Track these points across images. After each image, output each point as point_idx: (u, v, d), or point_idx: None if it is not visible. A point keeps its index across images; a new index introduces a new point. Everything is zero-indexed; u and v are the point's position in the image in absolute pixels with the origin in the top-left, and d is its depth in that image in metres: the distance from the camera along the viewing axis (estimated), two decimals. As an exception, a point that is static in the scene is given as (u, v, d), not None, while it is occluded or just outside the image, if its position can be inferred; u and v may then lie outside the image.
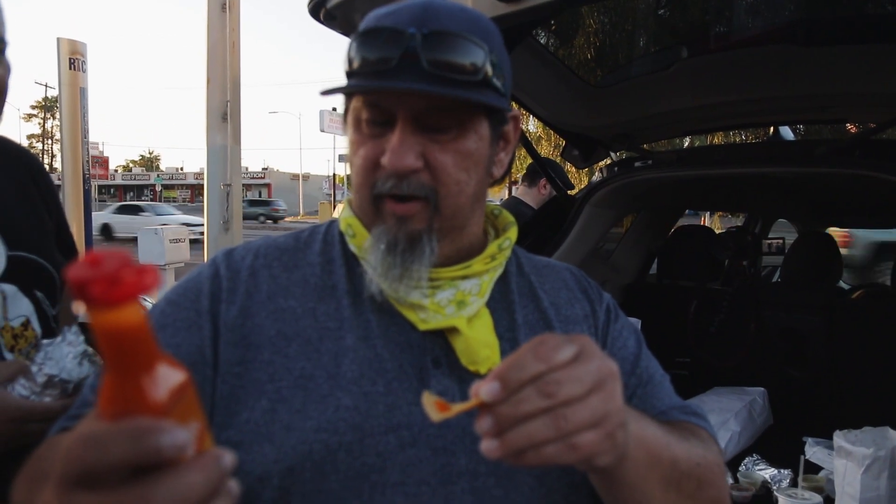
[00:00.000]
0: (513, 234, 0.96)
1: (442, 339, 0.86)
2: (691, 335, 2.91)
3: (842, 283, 3.64)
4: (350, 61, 0.84)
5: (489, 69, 0.82)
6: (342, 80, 0.86)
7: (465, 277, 0.88)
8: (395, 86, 0.79)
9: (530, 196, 4.02)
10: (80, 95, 7.58)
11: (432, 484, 0.79)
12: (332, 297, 0.88)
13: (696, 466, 0.81)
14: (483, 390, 0.59)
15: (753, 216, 4.31)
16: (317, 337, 0.85)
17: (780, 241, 3.43)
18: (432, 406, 0.62)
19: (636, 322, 2.67)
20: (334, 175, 48.29)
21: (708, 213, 13.85)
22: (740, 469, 2.22)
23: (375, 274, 0.85)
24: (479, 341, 0.85)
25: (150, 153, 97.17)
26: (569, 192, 3.24)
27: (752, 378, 2.72)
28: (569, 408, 0.59)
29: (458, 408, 0.60)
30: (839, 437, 2.00)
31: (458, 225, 0.89)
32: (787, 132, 2.72)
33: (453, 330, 0.85)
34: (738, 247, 2.86)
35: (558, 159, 3.91)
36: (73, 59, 7.46)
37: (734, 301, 2.89)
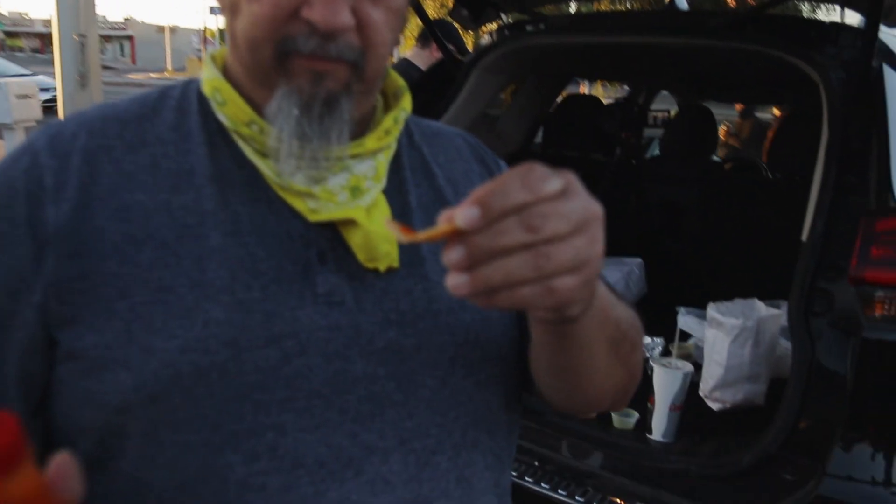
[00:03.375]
0: (407, 103, 0.82)
1: (328, 230, 0.74)
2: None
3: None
4: None
5: None
6: None
7: (356, 157, 0.75)
8: None
9: (422, 59, 3.81)
10: None
11: (325, 395, 0.70)
12: (190, 184, 0.72)
13: (631, 328, 0.78)
14: (460, 216, 0.50)
15: (638, 87, 4.31)
16: (174, 237, 0.70)
17: (667, 113, 3.45)
18: (396, 229, 0.55)
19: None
20: (205, 29, 45.06)
21: (587, 82, 13.94)
22: (616, 338, 2.30)
23: (285, 152, 0.70)
24: (379, 235, 0.74)
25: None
26: (461, 56, 3.09)
27: (631, 249, 2.78)
28: (552, 246, 0.51)
29: (426, 234, 0.53)
30: (712, 309, 2.08)
31: (372, 89, 0.76)
32: (682, 2, 2.66)
33: (348, 222, 0.73)
34: (625, 118, 2.84)
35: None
36: None
37: (617, 173, 2.91)
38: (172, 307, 0.68)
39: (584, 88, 15.60)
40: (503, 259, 0.51)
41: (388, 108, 0.83)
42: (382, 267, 0.74)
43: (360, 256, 0.74)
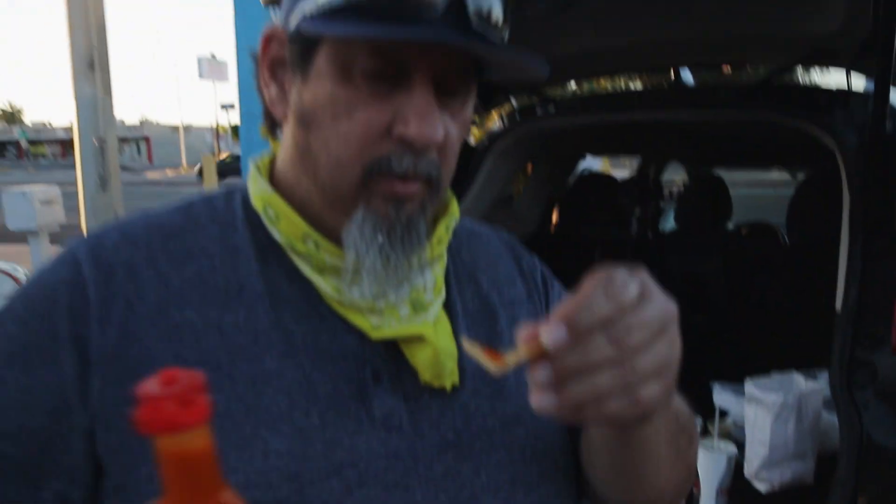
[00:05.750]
0: (455, 209, 0.80)
1: (382, 347, 0.70)
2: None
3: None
4: None
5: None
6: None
7: (412, 269, 0.72)
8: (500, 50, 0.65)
9: None
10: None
11: None
12: (240, 302, 0.68)
13: (688, 421, 0.79)
14: (548, 337, 0.50)
15: (647, 160, 4.34)
16: (227, 359, 0.65)
17: (681, 188, 3.46)
18: (482, 355, 0.53)
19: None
20: (217, 125, 46.34)
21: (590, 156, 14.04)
22: (652, 419, 2.22)
23: (370, 276, 0.68)
24: (445, 352, 0.70)
25: (11, 107, 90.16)
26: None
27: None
28: (637, 356, 0.51)
29: (515, 357, 0.52)
30: (750, 386, 2.02)
31: (439, 204, 0.74)
32: (687, 76, 2.69)
33: (414, 339, 0.70)
34: (641, 194, 2.85)
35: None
36: None
37: (636, 249, 2.89)
38: (230, 436, 0.62)
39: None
40: (591, 375, 0.50)
41: (435, 216, 0.80)
42: (448, 385, 0.71)
43: (426, 374, 0.70)
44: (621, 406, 0.51)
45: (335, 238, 0.69)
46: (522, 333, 0.52)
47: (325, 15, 0.64)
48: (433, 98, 0.65)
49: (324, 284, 0.69)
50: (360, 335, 0.70)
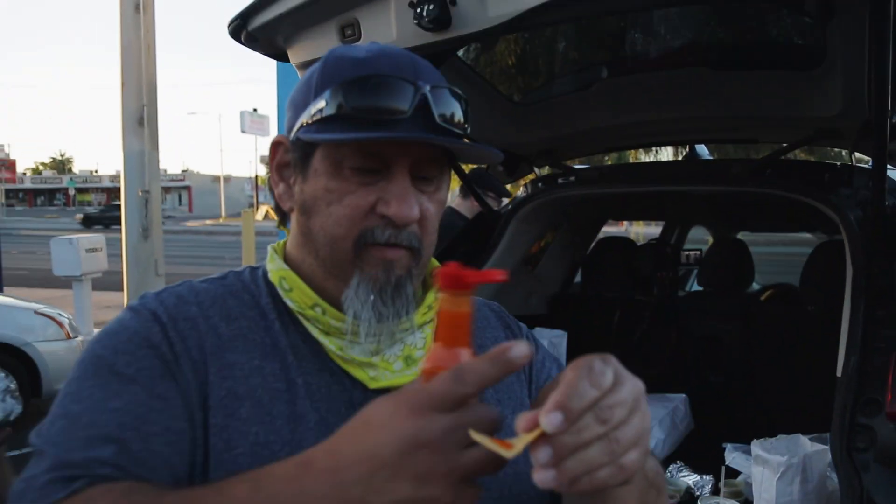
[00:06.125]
0: None
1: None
2: (615, 345, 2.99)
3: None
4: (346, 104, 0.79)
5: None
6: (316, 117, 0.83)
7: (406, 330, 0.87)
8: (437, 139, 0.80)
9: (465, 207, 4.06)
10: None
11: None
12: (275, 355, 0.83)
13: (657, 475, 0.85)
14: (546, 422, 0.59)
15: (671, 225, 4.46)
16: (267, 398, 0.79)
17: (698, 252, 3.56)
18: (494, 444, 0.62)
19: (562, 334, 2.73)
20: (256, 177, 47.39)
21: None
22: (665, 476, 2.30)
23: (365, 332, 0.81)
24: None
25: (61, 155, 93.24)
26: (504, 198, 3.30)
27: (674, 385, 2.80)
28: (619, 430, 0.60)
29: (522, 442, 0.61)
30: (756, 446, 2.10)
31: (423, 272, 0.89)
32: (702, 150, 2.84)
33: None
34: (658, 259, 2.96)
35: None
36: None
37: (656, 311, 2.98)
38: (271, 462, 0.72)
39: (624, 225, 15.75)
40: (584, 451, 0.59)
41: (425, 286, 0.95)
42: None
43: None
44: (609, 473, 0.60)
45: (337, 305, 0.84)
46: (523, 421, 0.61)
47: (319, 123, 0.82)
48: (409, 183, 0.81)
49: (329, 344, 0.84)
50: (363, 387, 0.84)
